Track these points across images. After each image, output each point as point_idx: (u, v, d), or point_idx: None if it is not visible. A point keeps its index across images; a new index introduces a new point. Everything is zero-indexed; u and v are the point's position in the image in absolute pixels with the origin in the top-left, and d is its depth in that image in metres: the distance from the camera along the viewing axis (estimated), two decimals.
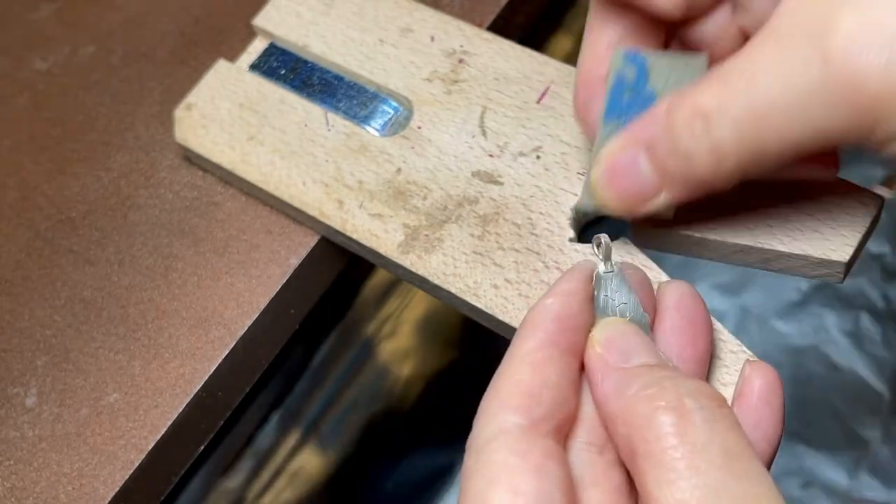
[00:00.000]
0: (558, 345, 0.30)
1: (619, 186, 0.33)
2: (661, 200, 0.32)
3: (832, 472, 0.56)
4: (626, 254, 0.37)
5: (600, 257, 0.34)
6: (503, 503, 0.27)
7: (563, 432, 0.30)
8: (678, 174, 0.31)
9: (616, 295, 0.32)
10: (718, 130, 0.29)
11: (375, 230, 0.41)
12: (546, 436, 0.29)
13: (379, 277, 0.62)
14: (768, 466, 0.31)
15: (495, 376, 0.30)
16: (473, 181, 0.41)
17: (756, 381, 0.32)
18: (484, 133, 0.41)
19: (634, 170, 0.32)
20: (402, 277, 0.41)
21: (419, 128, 0.42)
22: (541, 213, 0.39)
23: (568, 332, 0.31)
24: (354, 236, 0.41)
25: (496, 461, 0.28)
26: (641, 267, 0.36)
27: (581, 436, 0.30)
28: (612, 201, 0.33)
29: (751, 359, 0.33)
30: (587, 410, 0.30)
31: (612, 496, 0.29)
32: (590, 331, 0.31)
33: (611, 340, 0.30)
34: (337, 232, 0.42)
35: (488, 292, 0.38)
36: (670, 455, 0.26)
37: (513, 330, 0.38)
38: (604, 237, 0.34)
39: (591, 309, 0.32)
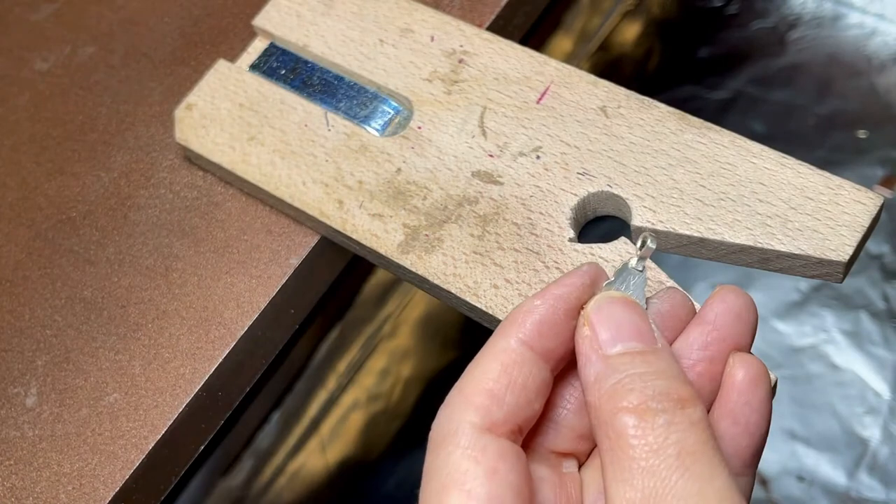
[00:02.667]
0: (533, 348, 0.30)
1: None
2: None
3: (831, 471, 0.56)
4: (626, 253, 0.37)
5: (637, 253, 0.33)
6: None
7: (524, 433, 0.30)
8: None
9: (630, 294, 0.32)
10: None
11: (375, 230, 0.41)
12: (503, 436, 0.29)
13: (379, 277, 0.62)
14: (753, 459, 0.31)
15: (467, 368, 0.30)
16: (473, 181, 0.41)
17: (738, 373, 0.31)
18: (484, 133, 0.41)
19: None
20: (402, 277, 0.41)
21: (419, 128, 0.42)
22: (541, 213, 0.39)
23: (546, 338, 0.30)
24: (354, 236, 0.41)
25: (451, 462, 0.28)
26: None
27: (548, 441, 0.31)
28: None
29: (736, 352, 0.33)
30: (559, 413, 0.31)
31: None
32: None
33: (601, 320, 0.30)
34: (337, 232, 0.42)
35: (488, 292, 0.38)
36: (627, 454, 0.27)
37: None
38: (650, 238, 0.33)
39: (577, 316, 0.31)
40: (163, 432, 0.41)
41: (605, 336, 0.30)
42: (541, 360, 0.30)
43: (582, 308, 0.31)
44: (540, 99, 0.42)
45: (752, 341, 0.33)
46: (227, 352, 0.43)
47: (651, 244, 0.33)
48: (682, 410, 0.28)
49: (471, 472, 0.28)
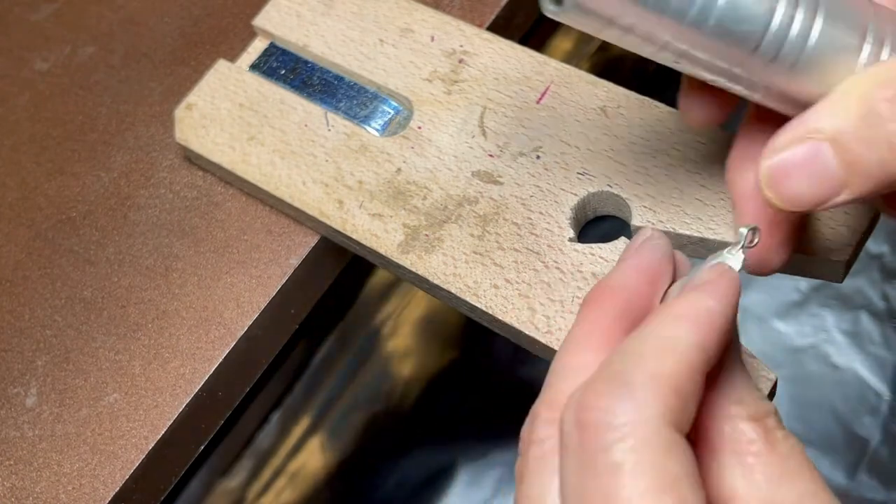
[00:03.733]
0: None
1: (791, 186, 0.29)
2: (840, 199, 0.29)
3: (831, 471, 0.56)
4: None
5: (741, 247, 0.30)
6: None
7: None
8: (874, 167, 0.28)
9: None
10: None
11: (375, 230, 0.41)
12: (681, 432, 0.26)
13: (379, 277, 0.62)
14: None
15: (625, 345, 0.27)
16: (473, 181, 0.41)
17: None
18: (484, 133, 0.41)
19: (814, 166, 0.29)
20: (402, 277, 0.41)
21: (419, 128, 0.42)
22: (541, 213, 0.39)
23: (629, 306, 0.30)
24: (354, 236, 0.41)
25: (655, 464, 0.25)
26: None
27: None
28: (780, 202, 0.30)
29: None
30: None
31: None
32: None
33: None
34: (337, 232, 0.42)
35: (488, 292, 0.38)
36: (761, 459, 0.28)
37: (513, 330, 0.38)
38: (758, 232, 0.31)
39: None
40: (163, 432, 0.41)
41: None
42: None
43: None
44: (540, 99, 0.42)
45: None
46: (227, 352, 0.43)
47: (754, 238, 0.31)
48: (784, 429, 0.28)
49: (682, 479, 0.25)
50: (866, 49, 0.29)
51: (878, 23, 0.30)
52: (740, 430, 0.28)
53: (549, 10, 0.28)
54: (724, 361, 0.28)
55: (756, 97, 0.31)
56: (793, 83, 0.30)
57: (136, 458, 0.41)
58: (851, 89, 0.29)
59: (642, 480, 0.24)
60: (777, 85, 0.30)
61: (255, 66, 0.47)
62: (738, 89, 0.31)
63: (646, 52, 0.30)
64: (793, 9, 0.29)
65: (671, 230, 0.37)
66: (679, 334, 0.27)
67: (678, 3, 0.28)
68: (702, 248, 0.38)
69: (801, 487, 0.27)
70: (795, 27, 0.29)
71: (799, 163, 0.29)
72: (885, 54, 0.30)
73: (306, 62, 0.46)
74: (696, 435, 0.27)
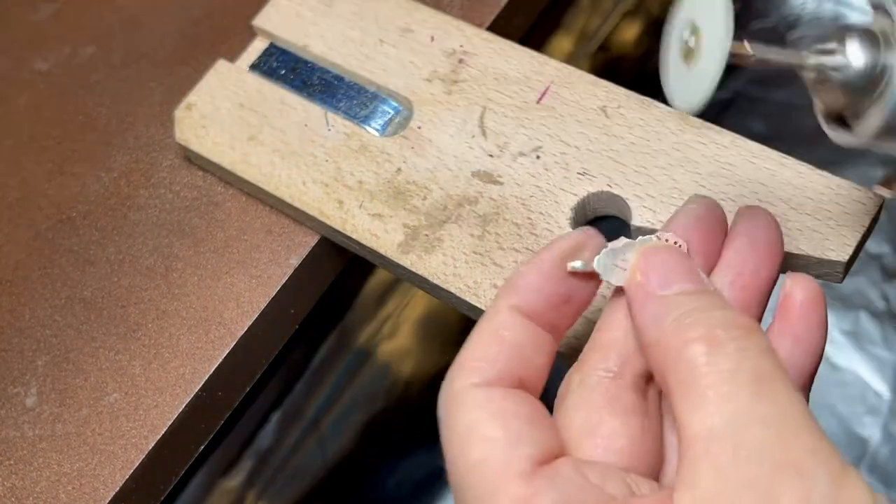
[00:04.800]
0: (522, 311, 0.31)
1: None
2: None
3: None
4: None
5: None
6: (480, 455, 0.28)
7: (532, 389, 0.30)
8: None
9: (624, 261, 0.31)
10: None
11: (375, 230, 0.41)
12: (498, 384, 0.29)
13: (379, 277, 0.62)
14: (810, 379, 0.31)
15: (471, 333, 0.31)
16: (473, 181, 0.41)
17: (797, 295, 0.31)
18: (484, 133, 0.41)
19: None
20: (402, 277, 0.41)
21: (419, 128, 0.42)
22: (541, 213, 0.39)
23: (533, 301, 0.31)
24: (354, 236, 0.41)
25: (462, 420, 0.29)
26: None
27: (632, 366, 0.30)
28: None
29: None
30: (606, 338, 0.31)
31: (634, 418, 0.30)
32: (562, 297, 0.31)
33: (649, 268, 0.30)
34: (337, 232, 0.42)
35: (488, 292, 0.38)
36: (701, 383, 0.27)
37: None
38: (614, 243, 0.32)
39: (565, 277, 0.31)
40: (163, 432, 0.41)
41: (656, 281, 0.30)
42: (531, 322, 0.31)
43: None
44: (540, 99, 0.42)
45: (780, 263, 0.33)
46: (227, 352, 0.43)
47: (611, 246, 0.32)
48: (750, 337, 0.28)
49: (482, 420, 0.28)
50: None
51: None
52: (684, 357, 0.27)
53: (843, 139, 0.30)
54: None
55: None
56: None
57: (136, 458, 0.41)
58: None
59: (453, 438, 0.29)
60: None
61: (255, 67, 0.47)
62: None
63: None
64: None
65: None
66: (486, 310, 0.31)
67: None
68: None
69: (739, 407, 0.26)
70: None
71: None
72: None
73: (306, 62, 0.46)
74: (657, 375, 0.29)
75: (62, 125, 0.51)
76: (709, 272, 0.32)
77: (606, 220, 0.40)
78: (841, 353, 0.59)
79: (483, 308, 0.38)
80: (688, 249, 0.32)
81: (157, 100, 0.50)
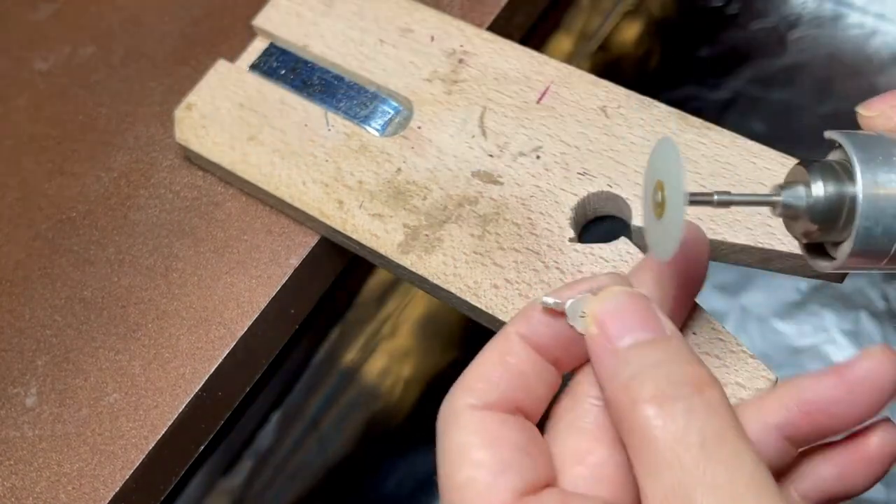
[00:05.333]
0: (530, 342, 0.31)
1: None
2: None
3: None
4: (626, 253, 0.37)
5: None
6: (467, 478, 0.28)
7: (530, 417, 0.30)
8: None
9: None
10: None
11: (375, 230, 0.41)
12: (500, 411, 0.30)
13: (379, 277, 0.62)
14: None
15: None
16: (473, 181, 0.41)
17: (874, 440, 0.31)
18: (484, 133, 0.41)
19: None
20: (402, 277, 0.41)
21: (419, 128, 0.42)
22: (541, 213, 0.39)
23: (543, 335, 0.31)
24: (354, 236, 0.41)
25: (455, 441, 0.29)
26: None
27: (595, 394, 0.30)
28: None
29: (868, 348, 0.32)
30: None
31: (611, 443, 0.30)
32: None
33: (606, 318, 0.30)
34: (337, 232, 0.42)
35: (488, 292, 0.38)
36: (652, 447, 0.27)
37: None
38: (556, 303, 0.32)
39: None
40: (163, 432, 0.41)
41: (613, 330, 0.29)
42: (538, 354, 0.31)
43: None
44: (540, 99, 0.42)
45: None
46: (227, 352, 0.43)
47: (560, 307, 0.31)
48: (701, 395, 0.27)
49: (475, 444, 0.29)
50: None
51: None
52: (636, 419, 0.27)
53: (823, 267, 0.31)
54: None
55: None
56: None
57: (136, 458, 0.41)
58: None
59: (445, 459, 0.29)
60: None
61: (255, 66, 0.47)
62: None
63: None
64: None
65: None
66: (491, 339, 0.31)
67: None
68: None
69: (691, 469, 0.26)
70: None
71: None
72: None
73: (306, 62, 0.46)
74: (617, 428, 0.29)
75: (62, 125, 0.51)
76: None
77: (606, 220, 0.40)
78: (841, 353, 0.59)
79: (483, 308, 0.38)
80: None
81: (157, 100, 0.50)
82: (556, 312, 0.31)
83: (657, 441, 0.27)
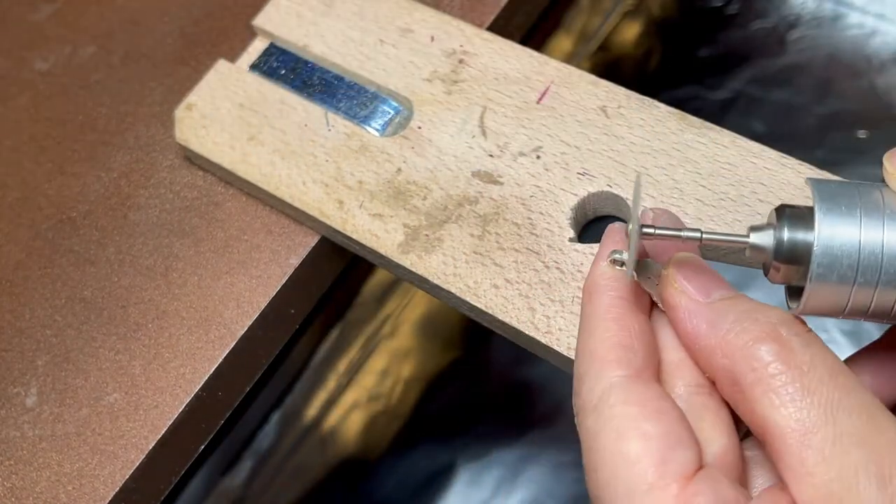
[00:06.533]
0: (628, 299, 0.31)
1: None
2: None
3: None
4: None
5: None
6: (638, 450, 0.28)
7: (658, 379, 0.31)
8: None
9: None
10: None
11: (375, 230, 0.41)
12: (652, 380, 0.30)
13: (379, 277, 0.62)
14: None
15: (581, 340, 0.31)
16: (473, 181, 0.41)
17: None
18: (484, 133, 0.41)
19: None
20: (402, 277, 0.41)
21: (419, 128, 0.42)
22: (541, 213, 0.39)
23: (628, 287, 0.32)
24: (354, 236, 0.41)
25: (618, 414, 0.29)
26: None
27: (687, 380, 0.31)
28: None
29: None
30: (677, 356, 0.31)
31: (726, 429, 0.30)
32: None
33: (689, 277, 0.31)
34: (337, 232, 0.42)
35: (488, 292, 0.38)
36: (781, 380, 0.28)
37: (513, 330, 0.38)
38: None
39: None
40: (163, 432, 0.41)
41: (696, 288, 0.31)
42: (638, 309, 0.31)
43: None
44: (540, 99, 0.42)
45: None
46: (227, 352, 0.43)
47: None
48: (809, 333, 0.29)
49: (641, 416, 0.29)
50: None
51: None
52: (754, 356, 0.28)
53: (792, 309, 0.32)
54: (686, 305, 0.31)
55: None
56: None
57: (137, 458, 0.41)
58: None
59: (608, 435, 0.29)
60: None
61: (255, 67, 0.47)
62: None
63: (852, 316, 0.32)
64: None
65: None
66: (588, 309, 0.32)
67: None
68: (702, 249, 0.37)
69: (826, 398, 0.27)
70: None
71: None
72: None
73: (306, 62, 0.46)
74: (723, 378, 0.29)
75: (62, 125, 0.51)
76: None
77: (606, 220, 0.40)
78: (841, 353, 0.59)
79: (483, 308, 0.38)
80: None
81: (157, 100, 0.50)
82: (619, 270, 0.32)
83: (786, 374, 0.28)
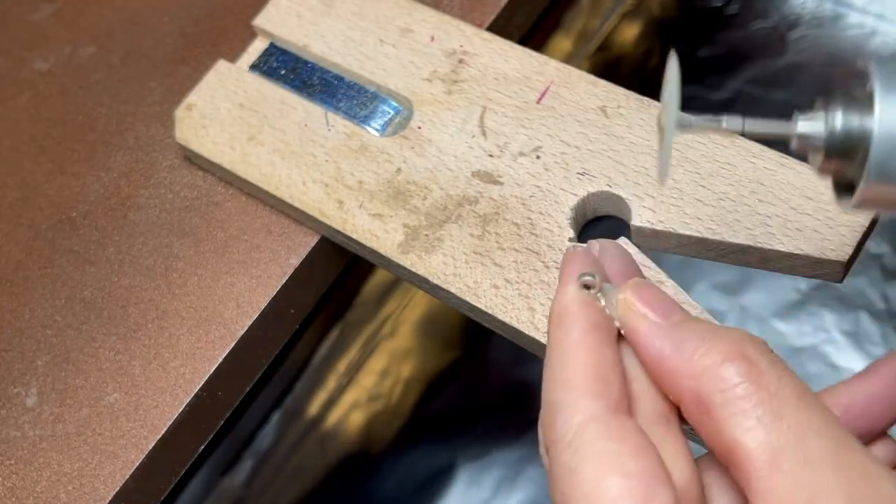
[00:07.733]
0: (603, 327, 0.30)
1: None
2: None
3: None
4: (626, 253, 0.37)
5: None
6: (620, 488, 0.27)
7: (631, 410, 0.30)
8: None
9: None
10: None
11: (375, 230, 0.41)
12: (627, 414, 0.29)
13: (379, 277, 0.62)
14: None
15: (551, 369, 0.30)
16: (473, 181, 0.41)
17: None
18: (484, 133, 0.41)
19: None
20: (402, 277, 0.41)
21: (419, 128, 0.42)
22: (541, 213, 0.39)
23: (601, 315, 0.31)
24: (354, 236, 0.41)
25: (599, 451, 0.28)
26: (642, 267, 0.36)
27: (646, 411, 0.30)
28: None
29: None
30: (638, 386, 0.31)
31: (688, 461, 0.30)
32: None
33: (647, 300, 0.30)
34: (337, 232, 0.42)
35: (488, 292, 0.38)
36: (750, 401, 0.27)
37: (513, 330, 0.38)
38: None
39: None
40: (163, 432, 0.41)
41: (656, 311, 0.30)
42: (610, 337, 0.30)
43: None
44: (540, 99, 0.42)
45: None
46: (227, 352, 0.43)
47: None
48: (773, 354, 0.28)
49: (622, 453, 0.28)
50: None
51: None
52: (721, 377, 0.28)
53: (845, 205, 0.29)
54: (650, 330, 0.30)
55: None
56: None
57: (137, 458, 0.41)
58: None
59: (588, 471, 0.28)
60: None
61: (255, 67, 0.47)
62: None
63: None
64: None
65: (671, 230, 0.37)
66: (559, 336, 0.30)
67: None
68: (702, 249, 0.38)
69: (795, 420, 0.27)
70: None
71: None
72: None
73: (306, 62, 0.46)
74: (689, 400, 0.29)
75: (62, 125, 0.51)
76: None
77: (606, 220, 0.40)
78: (841, 353, 0.59)
79: (483, 308, 0.38)
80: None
81: (157, 100, 0.50)
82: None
83: (754, 395, 0.27)
